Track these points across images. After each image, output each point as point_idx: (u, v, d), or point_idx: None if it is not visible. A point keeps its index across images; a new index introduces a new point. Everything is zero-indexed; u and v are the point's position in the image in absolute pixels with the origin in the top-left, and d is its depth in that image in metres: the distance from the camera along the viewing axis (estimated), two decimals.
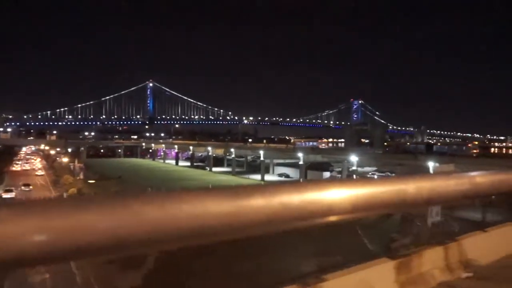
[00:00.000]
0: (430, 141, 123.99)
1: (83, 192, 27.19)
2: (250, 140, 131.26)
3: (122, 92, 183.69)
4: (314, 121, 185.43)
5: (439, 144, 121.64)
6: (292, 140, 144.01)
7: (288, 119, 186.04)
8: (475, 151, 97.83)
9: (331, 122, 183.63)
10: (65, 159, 46.05)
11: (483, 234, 6.34)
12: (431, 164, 30.90)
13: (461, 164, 30.49)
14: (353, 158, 34.22)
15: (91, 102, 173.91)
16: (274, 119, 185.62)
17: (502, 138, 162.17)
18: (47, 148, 60.09)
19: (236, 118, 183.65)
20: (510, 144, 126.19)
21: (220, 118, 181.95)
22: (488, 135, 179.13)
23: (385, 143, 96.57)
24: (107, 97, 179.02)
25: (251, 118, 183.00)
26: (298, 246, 13.44)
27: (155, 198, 0.29)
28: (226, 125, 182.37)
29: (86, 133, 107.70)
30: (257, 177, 45.72)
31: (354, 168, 35.02)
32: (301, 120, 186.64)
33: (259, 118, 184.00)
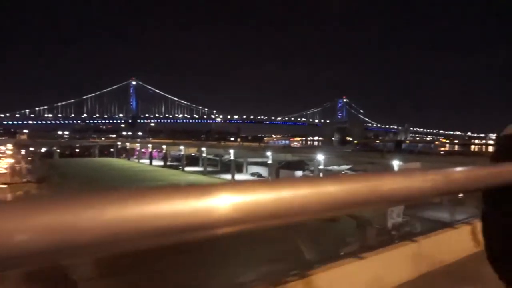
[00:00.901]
0: (401, 138, 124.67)
1: (32, 195, 25.81)
2: (232, 138, 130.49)
3: (104, 90, 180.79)
4: (299, 119, 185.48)
5: (407, 142, 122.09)
6: (264, 139, 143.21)
7: (273, 118, 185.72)
8: (443, 149, 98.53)
9: (316, 120, 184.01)
10: (9, 160, 43.82)
11: (356, 263, 4.52)
12: (395, 163, 30.32)
13: (427, 162, 30.14)
14: (320, 157, 33.61)
15: (72, 101, 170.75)
16: (259, 117, 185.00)
17: (482, 135, 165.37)
18: (9, 148, 57.91)
19: (221, 116, 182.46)
20: (489, 141, 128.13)
21: (205, 116, 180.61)
22: (469, 133, 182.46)
23: (355, 141, 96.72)
24: (89, 95, 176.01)
25: (235, 117, 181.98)
26: (246, 251, 12.47)
27: (116, 197, 0.26)
28: (210, 124, 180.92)
29: (60, 132, 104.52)
30: (229, 176, 44.84)
31: (321, 166, 34.39)
32: (286, 118, 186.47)
33: (244, 116, 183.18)
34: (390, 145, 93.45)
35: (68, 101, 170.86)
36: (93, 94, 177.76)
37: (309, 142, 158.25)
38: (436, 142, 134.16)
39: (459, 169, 0.45)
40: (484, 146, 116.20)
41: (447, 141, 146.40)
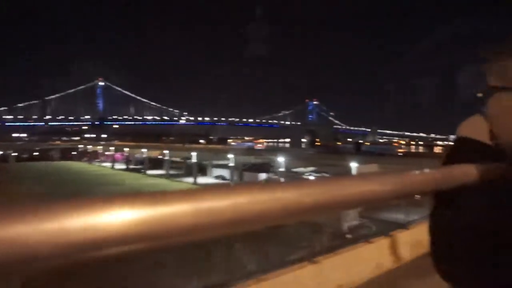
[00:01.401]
0: (359, 141, 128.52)
1: None
2: (201, 140, 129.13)
3: (69, 91, 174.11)
4: (270, 121, 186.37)
5: (367, 143, 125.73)
6: (228, 140, 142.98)
7: (244, 119, 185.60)
8: (400, 150, 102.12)
9: (287, 122, 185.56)
10: None
11: None
12: (354, 165, 30.59)
13: (383, 164, 30.69)
14: (280, 159, 33.56)
15: (34, 102, 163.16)
16: (230, 119, 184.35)
17: (443, 137, 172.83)
18: None
19: (192, 118, 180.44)
20: (450, 143, 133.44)
21: (175, 118, 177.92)
22: (432, 134, 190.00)
23: (317, 143, 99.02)
24: (52, 96, 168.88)
25: (207, 118, 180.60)
26: (182, 262, 11.89)
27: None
28: (182, 126, 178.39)
29: (16, 135, 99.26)
30: (192, 179, 43.99)
31: (282, 169, 34.32)
32: (258, 120, 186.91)
33: (215, 118, 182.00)
34: (351, 146, 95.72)
35: (29, 102, 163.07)
36: (58, 95, 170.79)
37: (280, 144, 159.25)
38: (395, 144, 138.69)
39: (413, 172, 0.48)
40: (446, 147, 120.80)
41: (410, 142, 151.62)
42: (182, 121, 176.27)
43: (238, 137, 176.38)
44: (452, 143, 0.78)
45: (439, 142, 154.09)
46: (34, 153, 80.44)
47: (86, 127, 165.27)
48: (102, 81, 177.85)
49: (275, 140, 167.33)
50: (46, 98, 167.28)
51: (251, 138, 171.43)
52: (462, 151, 0.73)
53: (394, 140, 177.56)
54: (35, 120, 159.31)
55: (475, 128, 0.74)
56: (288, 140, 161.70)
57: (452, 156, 0.74)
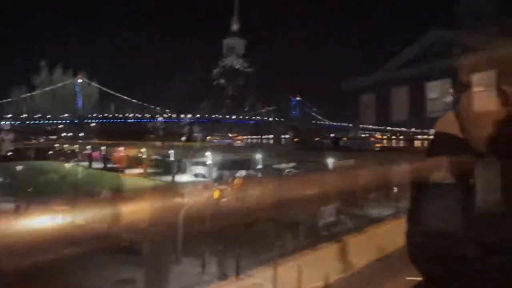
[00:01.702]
0: (344, 137, 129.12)
1: None
2: (182, 138, 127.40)
3: (47, 89, 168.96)
4: (253, 118, 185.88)
5: (345, 138, 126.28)
6: (208, 138, 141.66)
7: (227, 116, 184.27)
8: (378, 145, 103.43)
9: (270, 119, 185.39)
10: None
11: None
12: (330, 161, 30.51)
13: (362, 158, 30.66)
14: (259, 156, 33.34)
15: (9, 100, 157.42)
16: (213, 116, 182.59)
17: (424, 131, 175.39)
18: None
19: (174, 115, 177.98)
20: (430, 137, 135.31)
21: (157, 116, 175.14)
22: (413, 129, 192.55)
23: (295, 139, 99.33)
24: (28, 94, 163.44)
25: (189, 116, 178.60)
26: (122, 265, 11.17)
27: None
28: (163, 123, 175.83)
29: None
30: (175, 178, 43.31)
31: (260, 166, 34.03)
32: (241, 117, 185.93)
33: (198, 115, 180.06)
34: (328, 142, 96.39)
35: (4, 100, 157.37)
36: (34, 93, 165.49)
37: (264, 140, 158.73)
38: (372, 139, 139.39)
39: (393, 166, 0.52)
40: (426, 142, 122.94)
41: (391, 137, 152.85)
42: (164, 119, 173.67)
43: (223, 134, 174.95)
44: (431, 138, 0.84)
45: (419, 136, 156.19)
46: (8, 153, 77.84)
47: (62, 126, 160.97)
48: (81, 79, 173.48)
49: (259, 137, 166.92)
50: (22, 96, 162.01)
51: (234, 134, 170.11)
52: (439, 145, 0.79)
53: (375, 135, 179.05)
54: (11, 119, 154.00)
55: (448, 124, 0.80)
56: (271, 136, 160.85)
57: (431, 150, 0.81)
